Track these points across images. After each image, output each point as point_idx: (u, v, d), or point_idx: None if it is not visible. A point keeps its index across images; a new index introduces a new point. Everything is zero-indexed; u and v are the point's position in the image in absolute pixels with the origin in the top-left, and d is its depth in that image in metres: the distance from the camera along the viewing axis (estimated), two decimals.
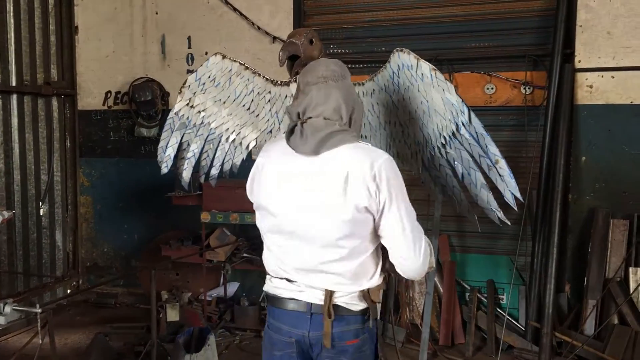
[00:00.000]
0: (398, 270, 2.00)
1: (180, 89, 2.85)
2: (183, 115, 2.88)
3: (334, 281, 1.96)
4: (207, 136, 2.93)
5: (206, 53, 5.43)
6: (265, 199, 2.04)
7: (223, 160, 2.98)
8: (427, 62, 2.24)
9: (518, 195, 2.19)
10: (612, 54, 4.49)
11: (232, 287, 5.46)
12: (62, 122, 5.77)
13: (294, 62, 2.42)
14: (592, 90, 4.54)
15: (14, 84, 5.24)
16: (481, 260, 4.94)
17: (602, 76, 4.52)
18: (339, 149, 1.93)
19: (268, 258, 2.10)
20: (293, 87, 2.68)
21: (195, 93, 2.83)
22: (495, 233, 4.61)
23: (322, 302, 1.96)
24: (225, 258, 4.94)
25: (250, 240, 5.09)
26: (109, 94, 5.83)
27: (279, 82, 2.75)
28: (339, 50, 5.21)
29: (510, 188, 2.20)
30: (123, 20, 5.73)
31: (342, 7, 5.19)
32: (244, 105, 2.84)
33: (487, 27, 4.84)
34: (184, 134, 2.93)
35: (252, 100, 2.82)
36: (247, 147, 2.94)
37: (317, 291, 1.97)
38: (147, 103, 5.49)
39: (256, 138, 2.91)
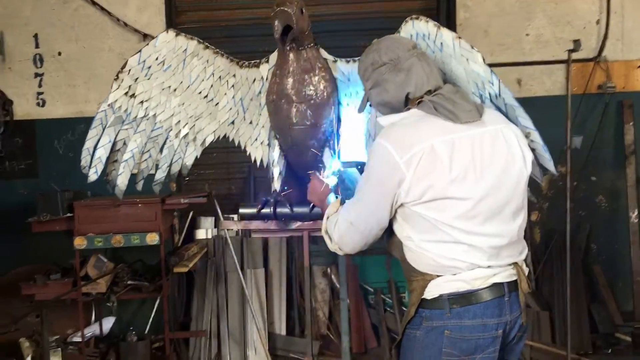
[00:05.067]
0: None
1: (117, 75, 2.31)
2: (120, 107, 2.33)
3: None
4: (151, 132, 2.41)
5: (59, 54, 4.65)
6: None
7: (171, 161, 2.47)
8: (449, 30, 2.05)
9: (553, 169, 2.09)
10: (490, 51, 4.72)
11: (107, 323, 4.71)
12: None
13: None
14: None
15: None
16: (379, 261, 4.85)
17: None
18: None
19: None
20: (264, 68, 2.33)
21: (137, 79, 2.31)
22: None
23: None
24: (106, 289, 4.23)
25: (131, 266, 4.44)
26: None
27: (246, 63, 2.36)
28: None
29: (543, 161, 2.08)
30: None
31: (218, 3, 4.81)
32: (200, 93, 2.39)
33: (369, 25, 4.79)
34: (119, 130, 2.38)
35: (212, 86, 2.38)
36: (203, 143, 2.47)
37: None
38: None
39: (214, 131, 2.46)
